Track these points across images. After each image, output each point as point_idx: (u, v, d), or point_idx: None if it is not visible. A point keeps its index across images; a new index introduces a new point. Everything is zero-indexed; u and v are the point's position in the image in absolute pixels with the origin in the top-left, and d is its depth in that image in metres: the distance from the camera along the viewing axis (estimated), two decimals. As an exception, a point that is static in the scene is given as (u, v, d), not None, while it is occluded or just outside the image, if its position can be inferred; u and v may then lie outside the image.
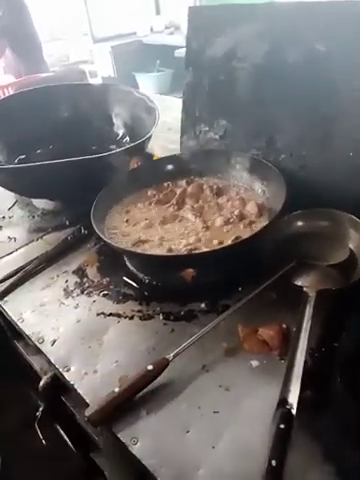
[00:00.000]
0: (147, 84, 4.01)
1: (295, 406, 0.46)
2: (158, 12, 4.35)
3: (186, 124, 0.93)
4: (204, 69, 0.86)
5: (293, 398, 0.47)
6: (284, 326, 0.58)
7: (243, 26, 0.79)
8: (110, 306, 0.67)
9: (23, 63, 2.56)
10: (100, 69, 3.93)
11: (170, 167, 0.88)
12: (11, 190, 0.96)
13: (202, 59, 0.85)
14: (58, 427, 1.03)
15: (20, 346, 0.89)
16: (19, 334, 0.87)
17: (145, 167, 0.89)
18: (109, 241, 0.66)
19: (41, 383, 0.74)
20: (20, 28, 2.43)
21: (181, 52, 3.23)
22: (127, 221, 0.76)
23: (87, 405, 0.54)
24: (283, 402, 0.47)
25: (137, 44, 4.01)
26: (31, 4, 2.64)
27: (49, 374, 0.75)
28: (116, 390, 0.51)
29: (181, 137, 0.95)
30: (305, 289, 0.61)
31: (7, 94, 2.21)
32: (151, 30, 4.15)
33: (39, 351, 0.67)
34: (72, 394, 0.68)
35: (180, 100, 1.04)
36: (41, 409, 0.78)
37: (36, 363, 0.84)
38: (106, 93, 1.13)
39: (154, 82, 4.03)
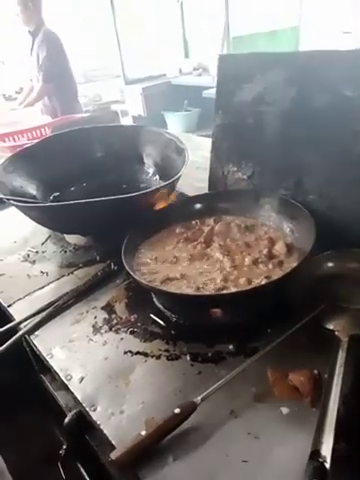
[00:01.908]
0: (175, 123, 4.15)
1: (329, 459, 0.44)
2: (187, 55, 4.57)
3: (215, 164, 0.95)
4: (233, 112, 0.89)
5: (326, 450, 0.45)
6: (315, 372, 0.56)
7: (271, 73, 0.82)
8: (137, 344, 0.68)
9: (59, 104, 2.73)
10: (131, 109, 4.12)
11: (198, 205, 0.89)
12: (45, 226, 1.00)
13: (231, 103, 0.88)
14: (80, 466, 1.01)
15: (46, 380, 0.89)
16: (46, 368, 0.88)
17: (174, 205, 0.91)
18: (138, 278, 0.67)
19: (66, 420, 0.74)
20: (60, 72, 2.60)
21: (209, 93, 3.36)
22: (156, 259, 0.77)
23: (112, 446, 0.53)
24: (316, 454, 0.45)
25: (166, 85, 4.20)
26: (68, 48, 2.85)
27: (74, 411, 0.75)
28: (143, 433, 0.50)
29: (209, 176, 0.97)
30: (337, 333, 0.59)
31: (45, 133, 2.34)
32: (180, 72, 4.34)
33: (66, 387, 0.67)
34: (97, 434, 0.67)
35: (207, 139, 1.08)
36: (64, 447, 0.78)
37: (62, 399, 0.84)
38: (138, 134, 1.19)
39: (182, 121, 4.18)
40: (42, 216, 0.93)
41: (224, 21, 3.52)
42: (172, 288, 0.67)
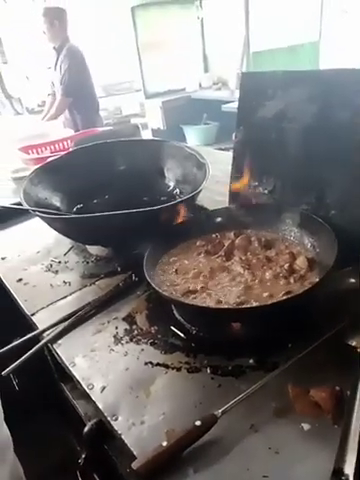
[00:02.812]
0: (194, 136, 4.20)
1: (352, 478, 0.44)
2: (206, 70, 4.64)
3: (235, 179, 0.96)
4: (255, 128, 0.90)
5: (349, 469, 0.44)
6: (337, 388, 0.56)
7: (293, 90, 0.83)
8: (158, 356, 0.68)
9: (80, 117, 2.80)
10: (150, 122, 4.19)
11: (219, 219, 0.91)
12: (68, 237, 1.02)
13: (253, 119, 0.90)
14: (96, 476, 1.02)
15: (66, 389, 0.91)
16: (67, 377, 0.89)
17: (194, 218, 0.92)
18: (160, 290, 0.68)
19: (86, 429, 0.75)
20: (82, 87, 2.68)
21: (228, 107, 3.39)
22: (176, 271, 0.78)
23: (132, 457, 0.54)
24: (338, 472, 0.44)
25: (186, 99, 4.27)
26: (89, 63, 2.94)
27: (94, 420, 0.76)
28: (164, 444, 0.51)
29: (230, 190, 0.98)
30: (359, 350, 0.59)
31: (67, 146, 2.41)
32: (199, 86, 4.41)
33: (86, 396, 0.69)
34: (116, 444, 0.68)
35: (226, 153, 1.09)
36: (83, 456, 0.78)
37: (81, 408, 0.85)
38: (159, 149, 1.21)
39: (200, 134, 4.22)
40: (66, 227, 0.96)
41: (244, 36, 3.56)
42: (193, 301, 0.67)
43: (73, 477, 1.06)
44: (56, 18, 2.69)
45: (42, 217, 0.94)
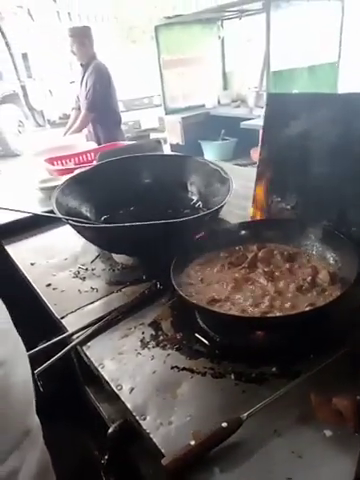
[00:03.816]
0: (211, 151, 4.27)
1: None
2: (225, 87, 4.73)
3: (258, 194, 1.00)
4: (279, 146, 0.94)
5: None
6: (359, 398, 0.58)
7: (317, 111, 0.87)
8: (183, 361, 0.71)
9: (103, 131, 2.89)
10: (170, 137, 4.28)
11: (242, 232, 0.94)
12: (96, 245, 1.07)
13: (278, 138, 0.94)
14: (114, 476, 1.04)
15: (90, 392, 0.94)
16: (91, 380, 0.93)
17: (218, 231, 0.96)
18: (188, 298, 0.71)
19: (110, 430, 0.78)
20: (106, 103, 2.77)
21: (247, 124, 3.46)
22: (201, 280, 0.82)
23: (159, 456, 0.57)
24: (360, 478, 0.47)
25: (204, 115, 4.36)
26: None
27: (118, 422, 0.79)
28: (192, 443, 0.53)
29: (253, 205, 1.02)
30: (380, 362, 0.61)
31: (90, 158, 2.49)
32: (218, 103, 4.50)
33: (113, 398, 0.72)
34: (139, 445, 0.71)
35: (246, 169, 1.13)
36: (106, 457, 0.81)
37: (105, 411, 0.89)
38: (184, 163, 1.26)
39: (218, 150, 4.29)
40: (94, 236, 1.00)
41: (263, 56, 3.64)
42: (219, 309, 0.70)
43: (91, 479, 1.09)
44: (85, 36, 2.81)
45: (73, 225, 0.98)
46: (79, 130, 2.92)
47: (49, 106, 9.42)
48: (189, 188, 1.26)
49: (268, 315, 0.67)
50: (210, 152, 4.31)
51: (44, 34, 9.72)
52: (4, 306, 0.62)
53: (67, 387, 1.07)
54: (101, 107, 2.76)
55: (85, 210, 1.15)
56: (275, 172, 0.96)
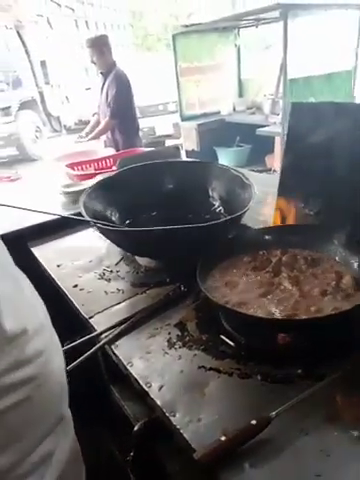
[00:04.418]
0: (226, 157, 4.30)
1: None
2: (241, 95, 4.77)
3: (281, 199, 1.02)
4: (303, 154, 0.96)
5: None
6: (385, 400, 0.59)
7: (341, 120, 0.89)
8: (210, 361, 0.73)
9: (121, 137, 2.94)
10: (185, 143, 4.32)
11: (265, 237, 0.96)
12: (121, 247, 1.10)
13: (301, 146, 0.96)
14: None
15: (115, 391, 0.96)
16: (116, 379, 0.95)
17: (241, 236, 0.98)
18: (217, 300, 0.74)
19: (136, 428, 0.80)
20: (126, 110, 2.83)
21: (263, 130, 3.48)
22: (226, 284, 0.84)
23: (189, 452, 0.59)
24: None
25: (220, 122, 4.39)
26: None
27: (143, 420, 0.81)
28: (222, 439, 0.55)
29: (275, 210, 1.04)
30: None
31: (109, 164, 2.53)
32: (234, 110, 4.53)
33: (135, 398, 0.74)
34: (165, 443, 0.73)
35: (265, 175, 1.15)
36: (132, 454, 0.83)
37: (130, 409, 0.91)
38: (205, 170, 1.29)
39: (233, 156, 4.32)
40: (121, 238, 1.03)
41: (280, 64, 3.66)
42: (247, 311, 0.72)
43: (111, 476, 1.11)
44: (104, 45, 2.87)
45: (101, 228, 1.02)
46: (99, 135, 2.99)
47: (65, 112, 9.59)
48: (210, 193, 1.29)
49: (295, 318, 0.69)
50: (225, 158, 4.33)
51: (62, 42, 9.93)
52: (42, 302, 0.65)
53: (92, 386, 1.10)
54: (123, 114, 2.82)
55: (109, 214, 1.19)
56: (298, 179, 0.98)
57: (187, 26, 4.16)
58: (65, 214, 1.17)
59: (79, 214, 1.08)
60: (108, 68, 2.92)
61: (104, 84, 2.95)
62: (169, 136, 6.46)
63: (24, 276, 0.64)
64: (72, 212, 1.25)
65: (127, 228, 1.09)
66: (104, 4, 12.42)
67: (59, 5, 10.05)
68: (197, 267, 0.85)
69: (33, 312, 0.61)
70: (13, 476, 0.54)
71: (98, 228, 1.04)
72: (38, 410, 0.57)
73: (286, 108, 3.25)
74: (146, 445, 0.80)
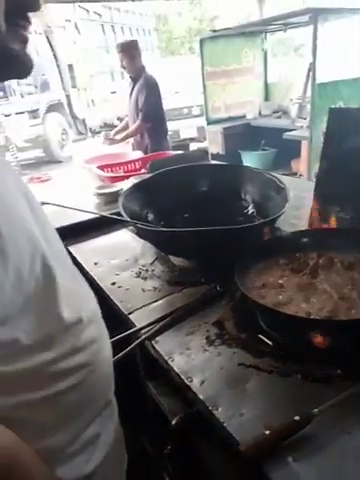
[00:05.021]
0: (251, 161, 4.29)
1: None
2: (267, 98, 4.76)
3: (318, 203, 1.03)
4: (339, 159, 0.97)
5: None
6: None
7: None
8: (249, 359, 0.75)
9: (150, 141, 3.00)
10: (210, 147, 4.35)
11: (301, 240, 0.97)
12: (157, 247, 1.14)
13: (338, 150, 0.97)
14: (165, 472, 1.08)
15: (151, 386, 0.99)
16: (152, 374, 0.98)
17: (277, 238, 1.00)
18: (258, 300, 0.76)
19: (173, 422, 0.83)
20: (157, 114, 2.88)
21: (290, 135, 3.47)
22: (263, 285, 0.86)
23: (230, 445, 0.61)
24: None
25: (245, 126, 4.40)
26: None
27: (180, 415, 0.84)
28: (267, 432, 0.57)
29: (311, 214, 1.05)
30: None
31: (137, 167, 2.59)
32: (259, 114, 4.53)
33: (171, 393, 0.77)
34: (203, 437, 0.76)
35: (296, 179, 1.15)
36: (169, 447, 0.86)
37: (166, 404, 0.93)
38: (239, 173, 1.31)
39: (258, 160, 4.31)
40: (160, 239, 1.07)
41: (308, 68, 3.65)
42: (289, 312, 0.74)
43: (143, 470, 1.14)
44: (134, 50, 2.94)
45: (139, 228, 1.05)
46: (130, 137, 3.05)
47: (91, 115, 9.78)
48: (243, 197, 1.31)
49: (335, 319, 0.70)
50: (250, 162, 4.33)
51: (89, 46, 10.14)
52: (93, 294, 0.70)
53: (125, 380, 1.13)
54: (153, 118, 2.87)
55: (145, 215, 1.22)
56: (334, 183, 0.99)
57: (215, 31, 4.19)
58: (105, 214, 1.21)
59: (118, 214, 1.12)
60: (138, 72, 2.98)
61: (133, 88, 3.01)
62: (193, 139, 6.51)
63: (76, 269, 0.68)
64: (109, 213, 1.29)
65: (169, 229, 1.11)
66: (130, 9, 12.60)
67: (87, 11, 10.27)
68: (235, 268, 0.87)
69: (87, 302, 0.65)
70: (66, 453, 0.58)
71: (137, 228, 1.08)
72: (89, 394, 0.61)
73: (314, 112, 3.23)
74: (183, 439, 0.83)
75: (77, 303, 0.62)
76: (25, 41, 0.51)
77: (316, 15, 3.00)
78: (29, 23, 0.51)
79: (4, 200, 0.51)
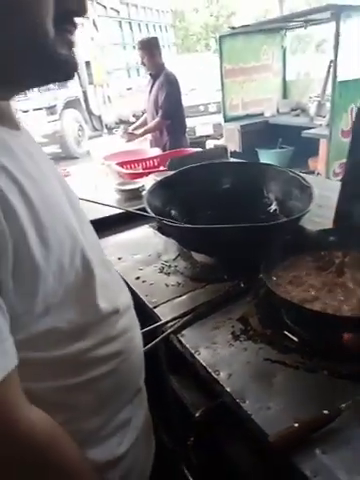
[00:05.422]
0: (268, 159, 4.27)
1: None
2: (285, 96, 4.72)
3: (342, 202, 1.03)
4: (366, 158, 0.97)
5: None
6: None
7: None
8: (275, 355, 0.76)
9: (169, 138, 3.01)
10: (227, 144, 4.34)
11: (327, 238, 0.98)
12: (182, 244, 1.16)
13: (365, 149, 0.97)
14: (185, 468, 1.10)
15: (174, 379, 1.01)
16: (175, 368, 1.00)
17: (302, 236, 1.00)
18: (285, 297, 0.77)
19: (197, 414, 0.85)
20: (176, 110, 2.90)
21: (308, 133, 3.45)
22: (290, 282, 0.87)
23: (257, 438, 0.63)
24: None
25: (263, 124, 4.37)
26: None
27: (203, 408, 0.86)
28: (296, 425, 0.59)
29: (336, 213, 1.05)
30: None
31: (155, 164, 2.60)
32: (277, 111, 4.50)
33: (196, 386, 0.79)
34: (226, 429, 0.77)
35: (317, 178, 1.15)
36: (192, 439, 0.88)
37: (189, 397, 0.95)
38: (262, 171, 1.31)
39: (275, 158, 4.28)
40: (184, 235, 1.08)
41: (328, 65, 3.61)
42: (317, 308, 0.75)
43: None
44: (155, 47, 2.95)
45: (165, 224, 1.07)
46: (148, 133, 3.08)
47: (107, 111, 9.84)
48: (266, 194, 1.31)
49: (363, 317, 0.71)
50: (267, 160, 4.30)
51: (106, 43, 10.18)
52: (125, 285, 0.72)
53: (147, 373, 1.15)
54: (173, 115, 2.89)
55: (168, 211, 1.24)
56: (361, 182, 0.99)
57: (234, 28, 4.17)
58: (131, 210, 1.23)
59: (142, 210, 1.14)
60: (157, 70, 3.00)
61: (153, 85, 3.03)
62: (209, 136, 6.50)
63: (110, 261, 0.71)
64: (133, 209, 1.31)
65: (196, 226, 1.12)
66: (147, 5, 12.59)
67: (105, 7, 10.30)
68: (261, 265, 0.88)
69: (121, 293, 0.67)
70: (100, 436, 0.61)
71: (161, 224, 1.09)
72: (122, 381, 0.64)
73: (334, 110, 3.20)
74: (206, 431, 0.85)
75: (112, 294, 0.64)
76: (72, 45, 0.53)
77: (339, 12, 2.96)
78: (75, 28, 0.52)
79: (46, 193, 0.53)
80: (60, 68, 0.52)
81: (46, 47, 0.49)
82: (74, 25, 0.53)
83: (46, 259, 0.50)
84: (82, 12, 0.52)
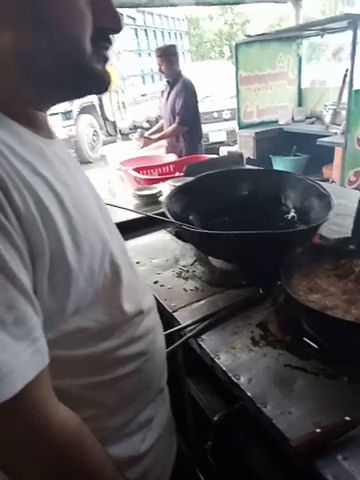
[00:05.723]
0: (282, 166, 4.27)
1: None
2: (300, 104, 4.72)
3: (362, 211, 1.03)
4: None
5: None
6: None
7: None
8: (295, 361, 0.77)
9: (185, 144, 3.04)
10: (241, 151, 4.35)
11: (346, 247, 0.98)
12: (201, 249, 1.17)
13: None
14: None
15: (192, 383, 1.02)
16: (193, 372, 1.01)
17: (322, 244, 1.01)
18: (307, 304, 0.77)
19: (216, 418, 0.86)
20: (194, 118, 2.93)
21: (324, 141, 3.45)
22: (310, 289, 0.87)
23: (278, 442, 0.63)
24: None
25: (277, 131, 4.38)
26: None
27: (222, 412, 0.86)
28: (318, 430, 0.59)
29: (355, 221, 1.05)
30: None
31: (171, 170, 2.63)
32: (292, 119, 4.50)
33: (214, 390, 0.80)
34: (244, 434, 0.78)
35: (332, 185, 1.14)
36: (210, 442, 0.89)
37: (206, 401, 0.96)
38: (280, 178, 1.32)
39: (289, 166, 4.28)
40: (202, 241, 1.10)
41: (344, 74, 3.61)
42: (339, 316, 0.76)
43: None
44: (173, 55, 2.99)
45: (182, 229, 1.08)
46: (165, 138, 3.11)
47: (121, 117, 9.94)
48: (284, 202, 1.32)
49: (385, 325, 0.71)
50: (281, 167, 4.30)
51: (122, 50, 10.31)
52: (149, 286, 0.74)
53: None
54: (190, 122, 2.92)
55: (185, 217, 1.26)
56: (381, 191, 0.99)
57: (250, 36, 4.19)
58: (151, 215, 1.25)
59: (161, 215, 1.16)
60: (175, 77, 3.04)
61: (170, 92, 3.06)
62: (222, 143, 6.52)
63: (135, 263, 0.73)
64: (152, 214, 1.33)
65: (216, 231, 1.13)
66: (163, 13, 12.73)
67: (121, 15, 10.45)
68: (280, 271, 0.89)
69: (145, 295, 0.69)
70: (123, 433, 0.63)
71: (180, 229, 1.11)
72: (145, 380, 0.65)
73: (350, 119, 3.19)
74: (224, 435, 0.85)
75: (137, 296, 0.66)
76: (106, 61, 0.55)
77: (356, 21, 2.97)
78: (111, 44, 0.55)
79: (79, 199, 0.56)
80: (95, 82, 0.55)
81: (84, 63, 0.52)
82: (109, 42, 0.55)
83: (79, 263, 0.52)
84: (118, 29, 0.55)
